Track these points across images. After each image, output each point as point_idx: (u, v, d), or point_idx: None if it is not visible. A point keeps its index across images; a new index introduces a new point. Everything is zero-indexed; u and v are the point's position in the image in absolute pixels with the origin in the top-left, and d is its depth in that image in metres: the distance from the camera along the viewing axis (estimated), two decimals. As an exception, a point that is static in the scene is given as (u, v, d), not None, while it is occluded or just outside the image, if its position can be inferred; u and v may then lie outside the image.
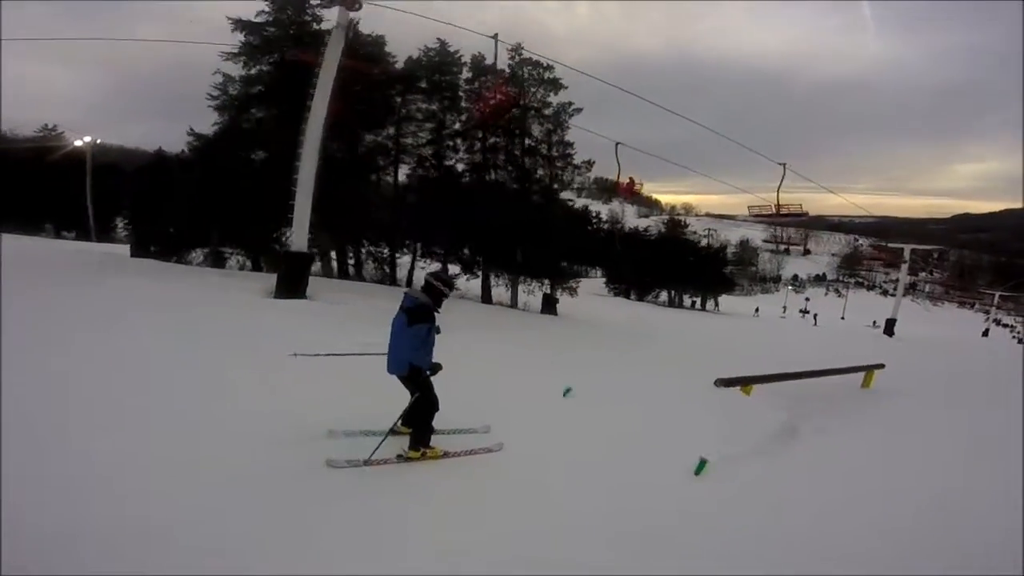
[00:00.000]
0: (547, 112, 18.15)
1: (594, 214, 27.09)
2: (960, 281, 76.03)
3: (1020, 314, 52.16)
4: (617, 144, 14.19)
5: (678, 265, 33.37)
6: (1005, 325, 50.86)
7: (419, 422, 4.26)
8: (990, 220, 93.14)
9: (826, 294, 74.20)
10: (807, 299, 65.22)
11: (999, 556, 3.87)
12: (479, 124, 17.28)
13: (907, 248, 24.32)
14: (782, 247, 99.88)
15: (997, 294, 45.49)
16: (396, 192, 18.71)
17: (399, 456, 4.18)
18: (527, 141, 18.25)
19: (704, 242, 44.84)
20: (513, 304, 18.52)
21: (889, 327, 24.30)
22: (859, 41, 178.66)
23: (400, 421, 4.29)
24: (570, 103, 18.05)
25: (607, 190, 17.19)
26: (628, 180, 15.70)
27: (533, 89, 17.77)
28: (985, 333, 39.53)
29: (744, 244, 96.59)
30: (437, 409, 4.28)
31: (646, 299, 34.26)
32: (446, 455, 4.35)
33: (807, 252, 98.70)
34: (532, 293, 18.95)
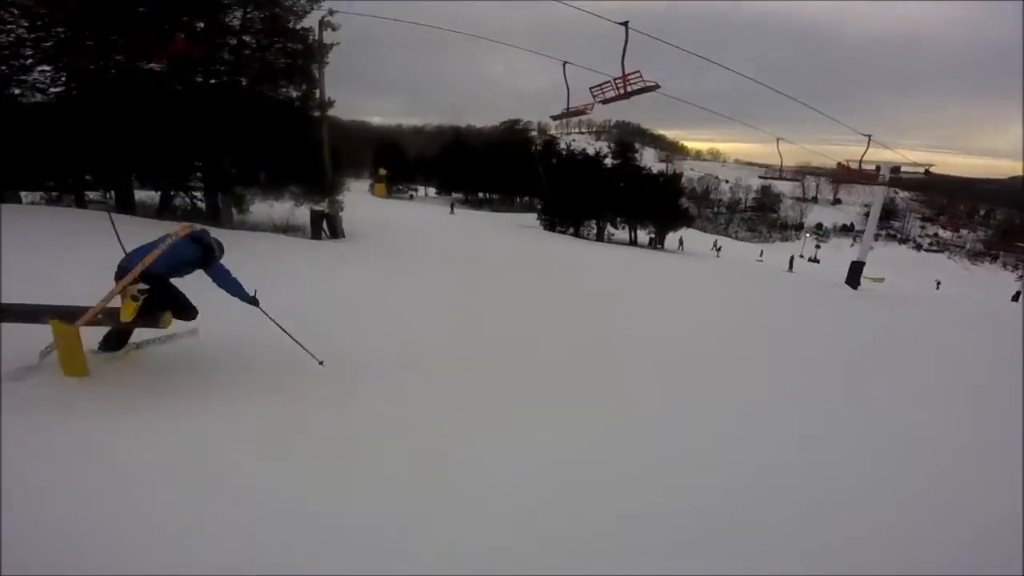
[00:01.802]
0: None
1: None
2: (1005, 242, 67.37)
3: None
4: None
5: (620, 194, 26.99)
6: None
7: None
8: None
9: (851, 245, 66.97)
10: (817, 247, 57.75)
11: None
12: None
13: (886, 167, 17.35)
14: (810, 196, 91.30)
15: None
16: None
17: None
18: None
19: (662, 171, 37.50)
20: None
21: (853, 274, 17.99)
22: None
23: None
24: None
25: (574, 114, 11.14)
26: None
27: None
28: (1016, 297, 31.81)
29: (765, 190, 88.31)
30: None
31: (585, 235, 28.32)
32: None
33: (837, 201, 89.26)
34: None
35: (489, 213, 40.27)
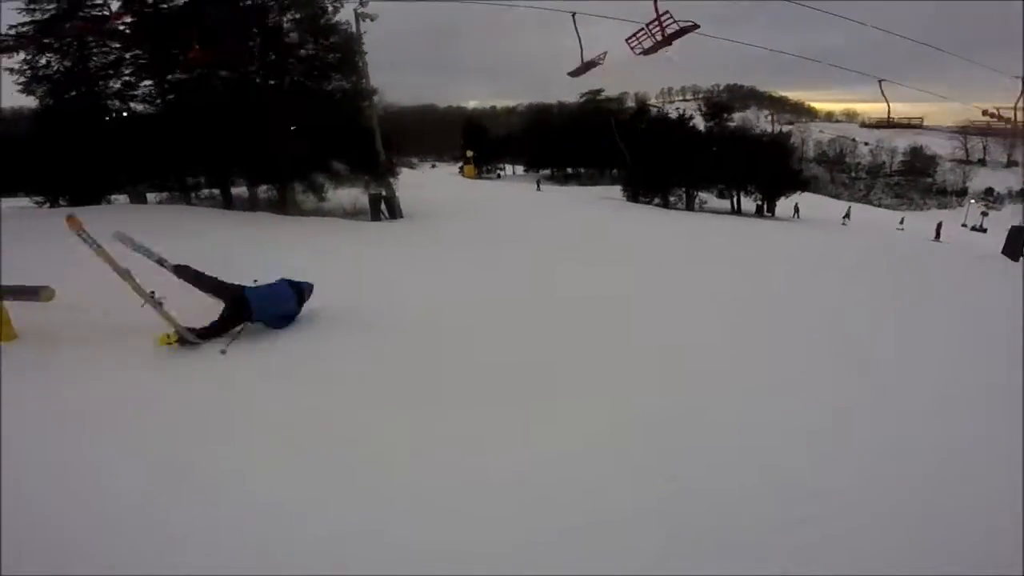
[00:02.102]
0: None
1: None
2: None
3: None
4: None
5: (714, 159, 24.32)
6: None
7: None
8: None
9: (1028, 210, 54.08)
10: (984, 214, 47.34)
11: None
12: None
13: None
14: (975, 158, 75.02)
15: None
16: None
17: None
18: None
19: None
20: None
21: (1014, 243, 14.11)
22: None
23: None
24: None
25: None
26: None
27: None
28: None
29: (916, 152, 74.32)
30: None
31: (675, 205, 26.13)
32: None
33: (1012, 164, 71.92)
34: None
35: (576, 188, 39.11)
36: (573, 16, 9.82)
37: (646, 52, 9.71)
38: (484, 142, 43.21)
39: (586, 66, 11.05)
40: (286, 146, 13.32)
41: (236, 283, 4.81)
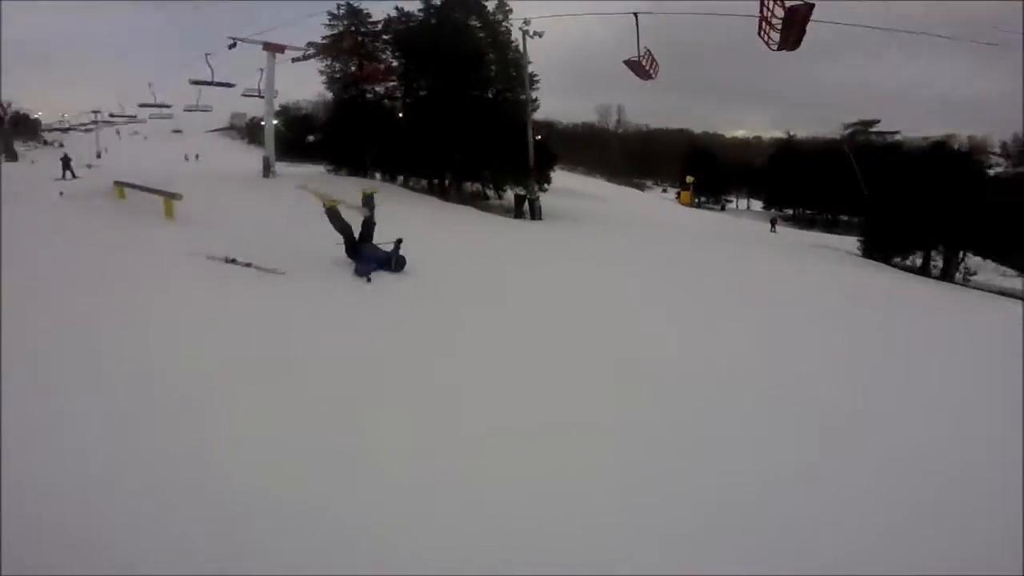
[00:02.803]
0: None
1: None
2: None
3: None
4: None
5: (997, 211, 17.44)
6: None
7: None
8: None
9: None
10: None
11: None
12: None
13: None
14: None
15: None
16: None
17: None
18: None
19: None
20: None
21: None
22: None
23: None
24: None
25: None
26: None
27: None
28: None
29: None
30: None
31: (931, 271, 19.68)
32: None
33: None
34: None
35: (816, 234, 32.92)
36: (636, 17, 9.20)
37: (781, 47, 8.35)
38: (712, 169, 40.04)
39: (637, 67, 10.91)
40: (467, 149, 15.95)
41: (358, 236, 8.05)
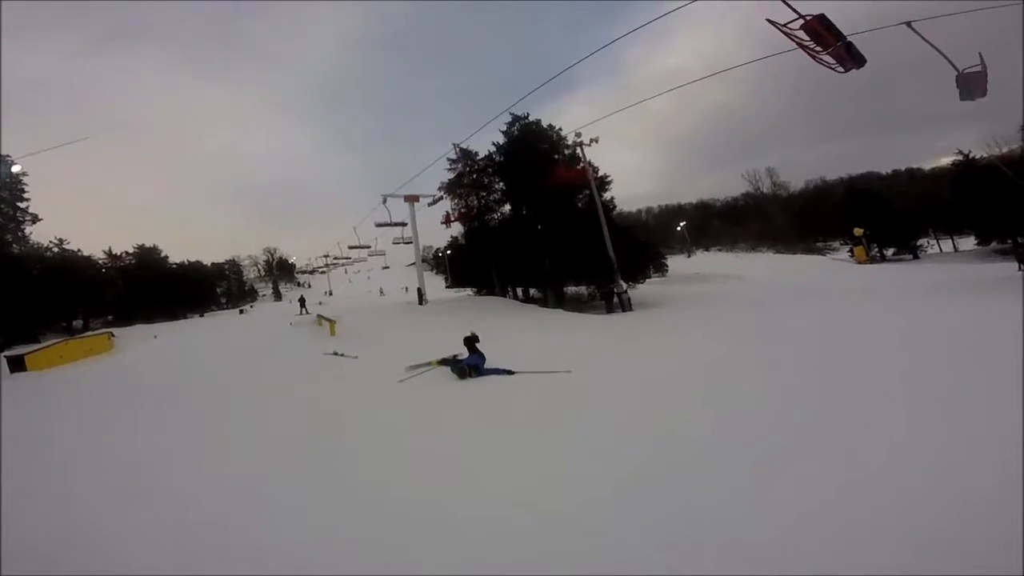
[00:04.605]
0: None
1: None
2: None
3: None
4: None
5: None
6: None
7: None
8: None
9: None
10: None
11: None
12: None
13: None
14: None
15: None
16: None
17: None
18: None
19: None
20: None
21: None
22: None
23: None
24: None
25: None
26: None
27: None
28: None
29: None
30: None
31: None
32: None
33: None
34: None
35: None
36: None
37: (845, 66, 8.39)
38: (882, 212, 33.68)
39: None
40: (554, 258, 18.54)
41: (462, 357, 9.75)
